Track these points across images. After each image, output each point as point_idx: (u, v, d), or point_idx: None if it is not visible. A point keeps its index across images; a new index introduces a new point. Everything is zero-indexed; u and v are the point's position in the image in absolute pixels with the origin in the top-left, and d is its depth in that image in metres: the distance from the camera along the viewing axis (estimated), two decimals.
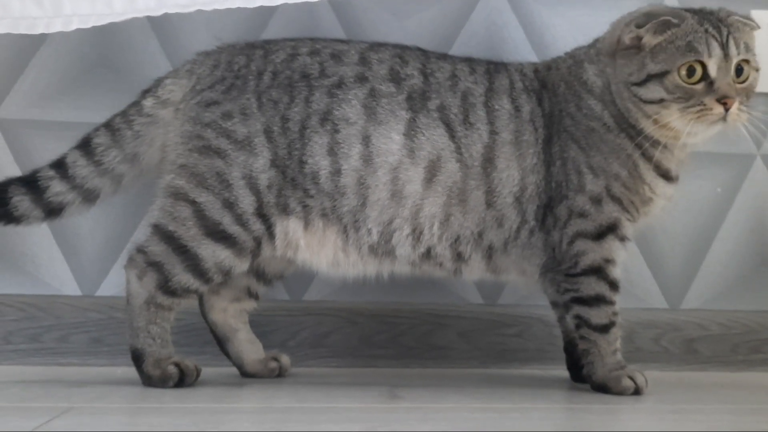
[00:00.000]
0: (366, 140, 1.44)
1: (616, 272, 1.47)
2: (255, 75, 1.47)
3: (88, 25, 1.41)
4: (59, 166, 1.47)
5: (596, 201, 1.46)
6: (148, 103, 1.49)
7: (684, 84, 1.41)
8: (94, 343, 1.68)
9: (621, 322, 1.48)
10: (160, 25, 1.73)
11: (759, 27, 1.46)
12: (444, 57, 1.55)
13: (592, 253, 1.46)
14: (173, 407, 1.24)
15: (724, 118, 1.39)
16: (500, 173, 1.46)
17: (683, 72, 1.41)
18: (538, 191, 1.47)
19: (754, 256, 1.91)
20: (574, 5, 1.85)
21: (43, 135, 1.71)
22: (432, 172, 1.45)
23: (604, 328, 1.46)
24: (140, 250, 1.44)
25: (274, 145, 1.44)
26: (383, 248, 1.47)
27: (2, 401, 1.28)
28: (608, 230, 1.46)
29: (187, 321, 1.62)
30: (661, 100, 1.42)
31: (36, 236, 1.69)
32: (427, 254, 1.47)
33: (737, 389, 1.62)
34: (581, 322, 1.47)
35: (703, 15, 1.44)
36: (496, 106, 1.49)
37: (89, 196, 1.48)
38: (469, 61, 1.54)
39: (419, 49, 1.55)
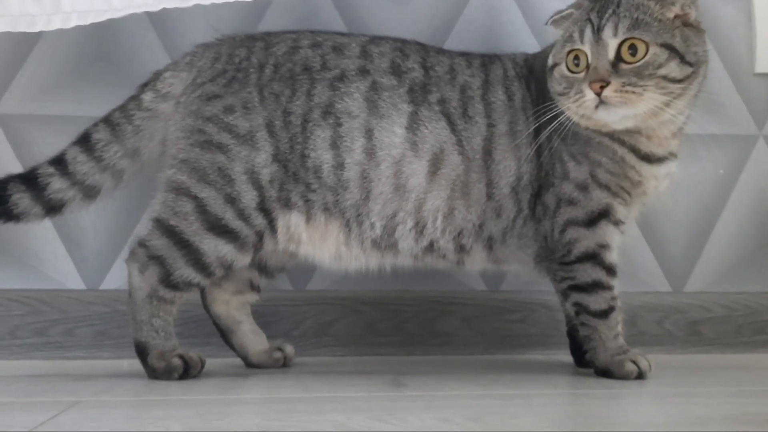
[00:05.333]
0: (369, 133, 1.44)
1: (611, 257, 1.47)
2: (256, 68, 1.47)
3: (87, 22, 1.41)
4: (59, 162, 1.46)
5: (582, 188, 1.45)
6: (147, 97, 1.49)
7: (569, 74, 1.41)
8: (100, 336, 1.69)
9: (621, 306, 1.48)
10: (158, 18, 1.72)
11: None
12: (442, 51, 1.56)
13: (585, 240, 1.45)
14: (178, 399, 1.25)
15: (602, 102, 1.36)
16: (497, 165, 1.46)
17: (570, 62, 1.41)
18: (531, 180, 1.47)
19: (757, 237, 1.91)
20: None
21: (42, 129, 1.71)
22: (436, 165, 1.45)
23: (604, 314, 1.46)
24: (142, 243, 1.44)
25: (276, 139, 1.44)
26: (386, 242, 1.47)
27: (10, 396, 1.28)
28: (600, 216, 1.45)
29: (191, 312, 1.62)
30: (558, 93, 1.42)
31: (39, 231, 1.69)
32: (430, 247, 1.48)
33: (741, 371, 1.62)
34: (580, 308, 1.47)
35: (604, 0, 1.42)
36: (492, 98, 1.49)
37: (90, 193, 1.48)
38: (466, 55, 1.55)
39: (418, 42, 1.55)
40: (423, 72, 1.49)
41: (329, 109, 1.45)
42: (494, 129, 1.47)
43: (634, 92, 1.36)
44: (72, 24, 1.42)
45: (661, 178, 1.49)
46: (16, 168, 1.67)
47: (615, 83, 1.36)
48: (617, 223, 1.47)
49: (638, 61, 1.37)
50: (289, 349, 1.61)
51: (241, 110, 1.45)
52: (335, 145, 1.44)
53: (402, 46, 1.52)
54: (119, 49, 1.73)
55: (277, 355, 1.58)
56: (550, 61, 1.46)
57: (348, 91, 1.46)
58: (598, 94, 1.36)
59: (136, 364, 1.45)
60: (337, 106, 1.45)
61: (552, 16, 1.49)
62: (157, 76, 1.51)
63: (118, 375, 1.48)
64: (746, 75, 1.92)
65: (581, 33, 1.40)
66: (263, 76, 1.46)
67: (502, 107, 1.48)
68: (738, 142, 1.90)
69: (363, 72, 1.47)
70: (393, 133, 1.45)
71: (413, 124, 1.45)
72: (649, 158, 1.46)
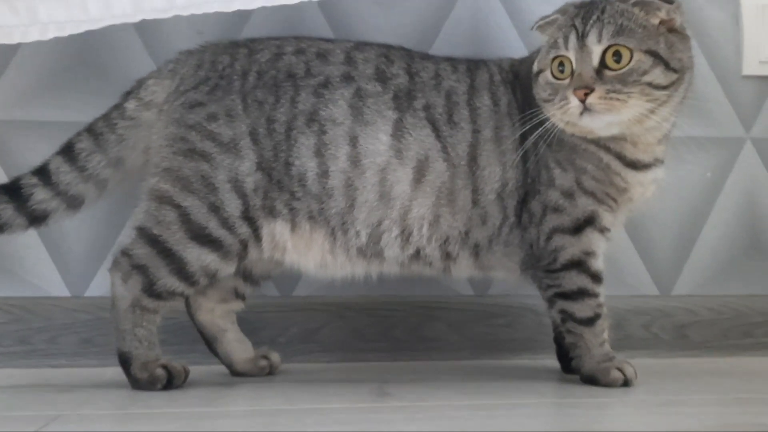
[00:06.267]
0: (353, 141, 1.43)
1: (597, 264, 1.46)
2: (240, 75, 1.46)
3: (65, 33, 1.40)
4: (42, 172, 1.45)
5: (568, 195, 1.44)
6: (130, 105, 1.48)
7: (554, 80, 1.40)
8: (84, 344, 1.68)
9: (607, 313, 1.48)
10: (141, 22, 1.70)
11: (668, 2, 1.38)
12: (427, 56, 1.55)
13: (570, 247, 1.45)
14: (161, 412, 1.24)
15: (587, 108, 1.35)
16: (483, 171, 1.46)
17: (555, 68, 1.41)
18: (517, 186, 1.46)
19: (744, 240, 1.91)
20: None
21: (25, 135, 1.70)
22: (420, 173, 1.44)
23: (590, 321, 1.45)
24: (125, 252, 1.43)
25: (259, 147, 1.43)
26: (372, 250, 1.46)
27: None
28: (586, 223, 1.45)
29: (176, 320, 1.61)
30: (543, 100, 1.42)
31: (22, 238, 1.65)
32: (416, 255, 1.47)
33: (727, 377, 1.61)
34: (566, 316, 1.47)
35: (590, 5, 1.42)
36: (478, 104, 1.48)
37: (74, 203, 1.47)
38: (451, 60, 1.54)
39: (403, 48, 1.54)
40: (408, 78, 1.48)
41: (313, 116, 1.44)
42: (479, 135, 1.47)
43: (618, 99, 1.35)
44: (50, 36, 1.41)
45: (648, 185, 1.48)
46: None
47: (599, 90, 1.35)
48: (603, 230, 1.46)
49: (623, 67, 1.36)
50: (275, 356, 1.60)
51: (224, 118, 1.43)
52: (320, 152, 1.43)
53: (387, 51, 1.51)
54: (102, 53, 1.72)
55: (263, 363, 1.57)
56: (535, 67, 1.46)
57: (332, 98, 1.45)
58: (583, 101, 1.36)
59: (120, 372, 1.44)
60: (321, 114, 1.44)
61: (537, 22, 1.48)
62: (140, 84, 1.50)
63: (100, 385, 1.46)
64: (734, 77, 1.91)
65: (566, 39, 1.40)
66: (247, 83, 1.45)
67: (487, 113, 1.48)
68: (725, 145, 1.90)
69: (347, 78, 1.46)
70: (378, 141, 1.44)
71: (398, 132, 1.45)
72: (634, 165, 1.46)
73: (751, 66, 1.92)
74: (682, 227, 1.88)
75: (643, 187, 1.48)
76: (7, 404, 1.33)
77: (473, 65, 1.53)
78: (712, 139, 1.89)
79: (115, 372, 1.46)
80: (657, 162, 1.48)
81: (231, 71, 1.46)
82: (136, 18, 1.42)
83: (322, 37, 1.60)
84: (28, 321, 1.67)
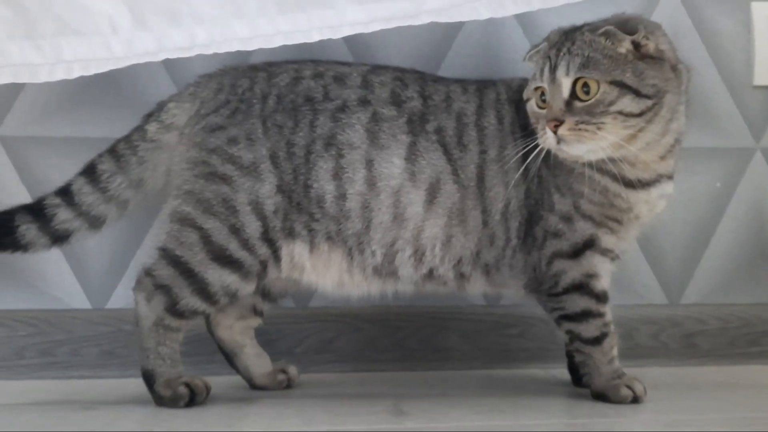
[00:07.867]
0: (369, 164, 1.46)
1: (600, 285, 1.47)
2: (259, 99, 1.48)
3: (90, 72, 1.42)
4: (65, 193, 1.48)
5: (567, 220, 1.46)
6: (151, 128, 1.50)
7: (537, 110, 1.42)
8: (106, 356, 1.71)
9: (614, 331, 1.49)
10: None
11: (632, 33, 1.38)
12: (439, 79, 1.56)
13: (571, 271, 1.46)
14: None
15: (560, 139, 1.37)
16: (489, 191, 1.48)
17: (537, 98, 1.43)
18: (519, 205, 1.48)
19: (752, 249, 1.92)
20: (574, 5, 1.78)
21: (44, 151, 1.71)
22: (432, 194, 1.47)
23: (596, 341, 1.47)
24: (148, 273, 1.46)
25: (279, 170, 1.45)
26: (387, 269, 1.49)
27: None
28: (585, 247, 1.46)
29: (196, 331, 1.62)
30: (533, 127, 1.43)
31: (44, 252, 1.70)
32: (430, 274, 1.50)
33: (734, 390, 1.64)
34: (573, 336, 1.49)
35: (564, 35, 1.43)
36: (485, 124, 1.50)
37: (95, 222, 1.50)
38: (462, 81, 1.55)
39: (417, 71, 1.56)
40: (422, 101, 1.50)
41: (331, 140, 1.46)
42: (486, 155, 1.49)
43: (587, 130, 1.36)
44: (75, 74, 1.42)
45: (655, 201, 1.48)
46: (19, 189, 1.69)
47: (568, 122, 1.37)
48: (604, 252, 1.47)
49: (591, 99, 1.37)
50: (293, 370, 1.63)
51: (245, 141, 1.46)
52: (337, 176, 1.46)
53: (402, 75, 1.53)
54: (121, 69, 1.71)
55: (281, 377, 1.61)
56: (524, 96, 1.47)
57: (349, 122, 1.47)
58: (555, 132, 1.37)
59: (140, 385, 1.46)
60: (338, 138, 1.46)
61: (529, 52, 1.49)
62: (161, 106, 1.52)
63: (124, 401, 1.49)
64: (744, 87, 1.92)
65: (541, 71, 1.42)
66: (266, 107, 1.47)
67: (493, 132, 1.50)
68: (735, 155, 1.91)
69: (364, 102, 1.48)
70: (392, 164, 1.46)
71: (412, 155, 1.47)
72: (634, 184, 1.45)
73: (762, 76, 1.93)
74: (691, 237, 1.90)
75: (649, 204, 1.48)
76: (34, 425, 1.35)
77: (483, 86, 1.55)
78: (721, 149, 1.90)
79: (137, 385, 1.49)
80: (662, 178, 1.48)
81: (251, 95, 1.48)
82: (159, 57, 1.44)
83: (338, 60, 1.61)
84: (51, 333, 1.70)
